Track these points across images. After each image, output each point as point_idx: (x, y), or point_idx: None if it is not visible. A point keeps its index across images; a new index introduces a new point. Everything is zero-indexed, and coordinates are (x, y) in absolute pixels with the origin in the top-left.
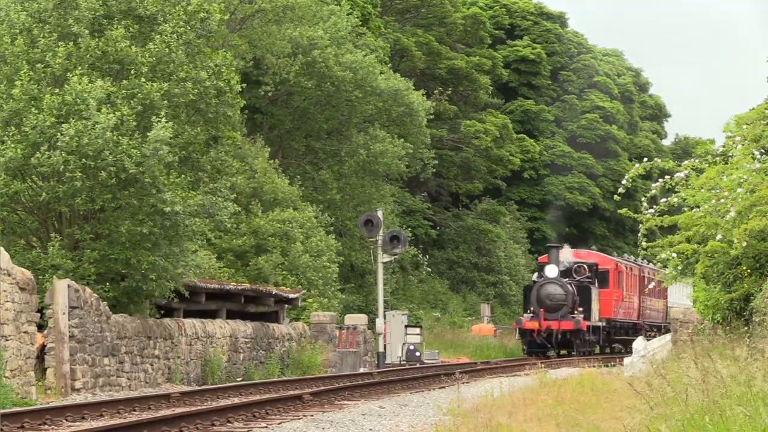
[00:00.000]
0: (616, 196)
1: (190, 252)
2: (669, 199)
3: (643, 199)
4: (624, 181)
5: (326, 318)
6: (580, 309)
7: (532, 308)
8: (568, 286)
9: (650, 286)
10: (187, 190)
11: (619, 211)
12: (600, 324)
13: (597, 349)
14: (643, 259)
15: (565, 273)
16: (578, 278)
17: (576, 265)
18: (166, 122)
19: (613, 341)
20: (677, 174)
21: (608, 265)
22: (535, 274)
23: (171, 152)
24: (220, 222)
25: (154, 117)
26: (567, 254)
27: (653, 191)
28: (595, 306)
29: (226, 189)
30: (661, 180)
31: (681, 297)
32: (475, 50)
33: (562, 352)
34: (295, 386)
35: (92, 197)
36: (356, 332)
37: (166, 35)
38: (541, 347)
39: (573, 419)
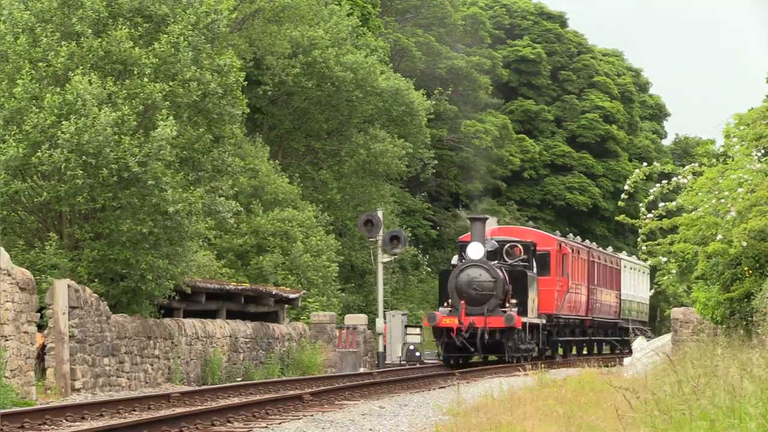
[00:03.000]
0: (620, 202)
1: (191, 252)
2: (668, 204)
3: (641, 204)
4: (626, 186)
5: (326, 318)
6: (514, 301)
7: (450, 300)
8: (498, 270)
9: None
10: (189, 189)
11: (617, 218)
12: (539, 321)
13: (536, 352)
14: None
15: (494, 254)
16: (511, 261)
17: (508, 245)
18: (169, 120)
19: (555, 343)
20: (675, 178)
21: (549, 245)
22: (455, 257)
23: (172, 152)
24: (223, 219)
25: (158, 115)
26: (494, 228)
27: (651, 196)
28: (533, 297)
29: (227, 187)
30: (658, 185)
31: (636, 288)
32: (475, 50)
33: (490, 357)
34: (295, 386)
35: (93, 196)
36: (356, 332)
37: (174, 36)
38: (462, 351)
39: (573, 419)
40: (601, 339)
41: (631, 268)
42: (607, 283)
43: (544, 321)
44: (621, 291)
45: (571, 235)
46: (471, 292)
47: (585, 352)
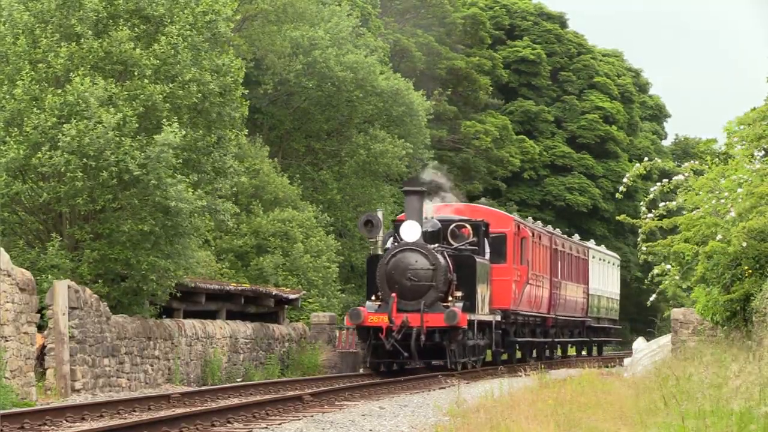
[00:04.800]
0: (618, 194)
1: (191, 251)
2: (668, 203)
3: (642, 203)
4: (625, 179)
5: (326, 319)
6: (459, 294)
7: (380, 293)
8: (438, 255)
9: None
10: (190, 190)
11: (618, 217)
12: (492, 318)
13: (488, 356)
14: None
15: (436, 236)
16: (457, 245)
17: (454, 225)
18: (174, 126)
19: (512, 344)
20: (676, 177)
21: (505, 227)
22: (390, 240)
23: (175, 155)
24: (222, 222)
25: (164, 120)
26: (437, 205)
27: (652, 194)
28: (483, 289)
29: (226, 189)
30: (659, 183)
31: (605, 282)
32: (475, 51)
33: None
34: (295, 387)
35: (93, 197)
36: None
37: (172, 37)
38: (394, 356)
39: (573, 420)
40: (566, 340)
41: (600, 259)
42: (572, 276)
43: (498, 318)
44: (589, 285)
45: (530, 219)
46: (404, 282)
47: (547, 354)
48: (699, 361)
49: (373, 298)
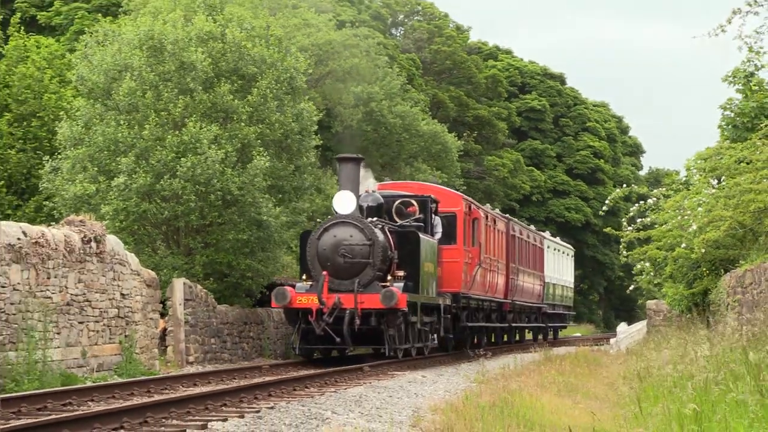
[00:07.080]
0: (601, 212)
1: (278, 256)
2: (643, 219)
3: (623, 219)
4: (607, 201)
5: None
6: (401, 273)
7: (311, 272)
8: (376, 230)
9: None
10: (277, 208)
11: (605, 229)
12: (441, 302)
13: (435, 342)
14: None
15: (377, 212)
16: (402, 222)
17: (399, 201)
18: (263, 156)
19: (465, 329)
20: (649, 200)
21: (455, 206)
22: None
23: (265, 180)
24: (300, 222)
25: (254, 152)
26: (383, 183)
27: (631, 213)
28: (430, 269)
29: (306, 205)
30: (637, 204)
31: (560, 271)
32: (495, 102)
33: (375, 349)
34: (356, 361)
35: (203, 215)
36: None
37: (262, 90)
38: (327, 342)
39: (571, 385)
40: (524, 326)
41: (555, 249)
42: (529, 263)
43: (447, 301)
44: (544, 273)
45: (488, 205)
46: (337, 259)
47: (505, 339)
48: (666, 341)
49: (304, 277)
